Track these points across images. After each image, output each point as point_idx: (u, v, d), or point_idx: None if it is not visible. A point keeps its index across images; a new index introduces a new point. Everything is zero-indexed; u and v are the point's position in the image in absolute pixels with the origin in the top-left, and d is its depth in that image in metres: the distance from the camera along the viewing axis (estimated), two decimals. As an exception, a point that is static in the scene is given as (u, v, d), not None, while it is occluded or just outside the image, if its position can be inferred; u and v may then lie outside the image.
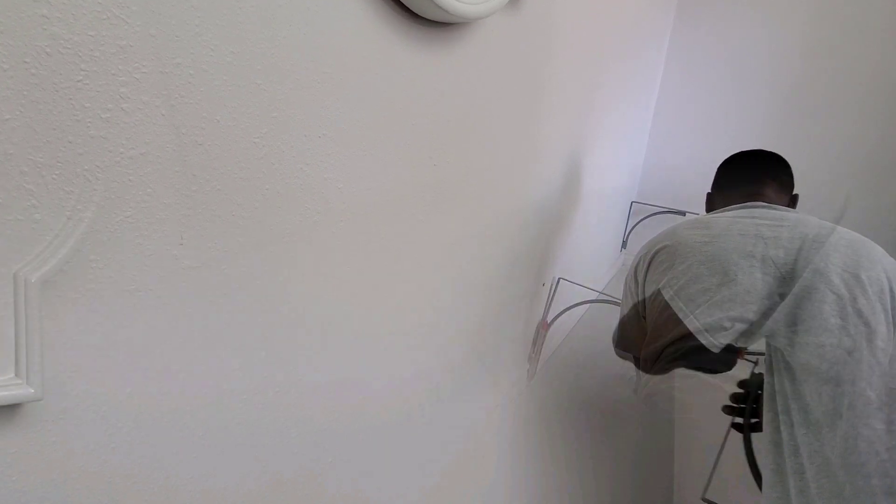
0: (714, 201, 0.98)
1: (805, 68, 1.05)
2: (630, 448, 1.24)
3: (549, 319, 1.23)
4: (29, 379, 0.44)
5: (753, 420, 0.93)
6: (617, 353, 0.92)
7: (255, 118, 0.55)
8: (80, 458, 0.50)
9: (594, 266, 1.22)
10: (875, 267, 0.66)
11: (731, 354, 0.77)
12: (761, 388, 0.93)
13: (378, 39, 0.64)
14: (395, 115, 0.69)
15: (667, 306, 0.74)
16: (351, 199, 0.67)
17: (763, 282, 0.69)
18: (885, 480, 0.58)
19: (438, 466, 0.93)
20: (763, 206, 0.81)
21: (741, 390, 0.94)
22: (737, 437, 0.95)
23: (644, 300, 0.90)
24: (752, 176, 0.93)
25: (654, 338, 0.79)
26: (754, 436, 0.75)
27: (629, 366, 1.16)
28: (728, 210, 0.87)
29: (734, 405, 0.96)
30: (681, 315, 0.71)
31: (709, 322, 0.70)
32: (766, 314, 0.70)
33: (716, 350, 0.72)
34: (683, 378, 0.85)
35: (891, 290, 0.65)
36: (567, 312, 1.20)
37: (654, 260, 0.93)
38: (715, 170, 1.02)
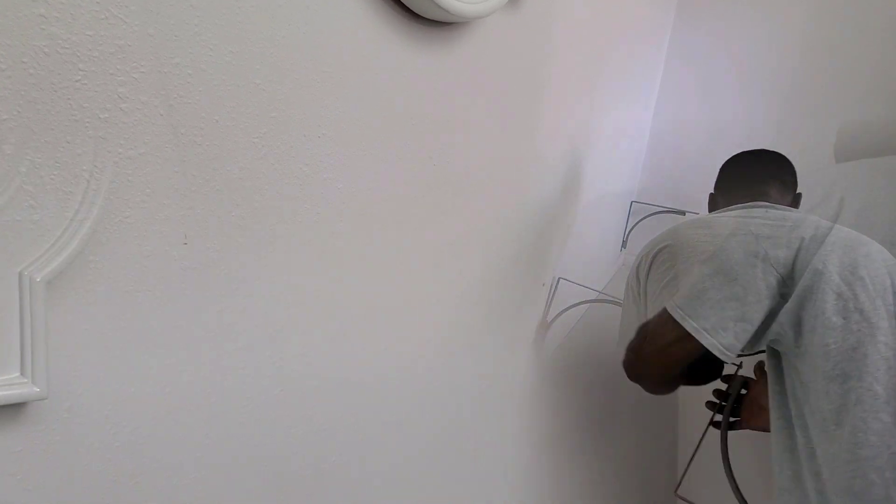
0: (717, 202, 0.98)
1: (807, 67, 1.05)
2: (629, 445, 1.24)
3: (549, 319, 1.23)
4: (34, 378, 0.44)
5: (732, 419, 0.94)
6: (628, 373, 0.92)
7: (254, 118, 0.54)
8: (85, 457, 0.51)
9: (594, 266, 1.22)
10: (874, 264, 0.66)
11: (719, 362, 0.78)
12: (745, 386, 0.93)
13: (378, 39, 0.63)
14: (394, 115, 0.69)
15: (676, 324, 0.75)
16: (351, 199, 0.67)
17: (765, 282, 0.70)
18: None
19: (438, 463, 0.93)
20: (765, 206, 0.81)
21: (723, 387, 0.94)
22: (713, 434, 0.95)
23: (645, 298, 0.90)
24: (754, 176, 0.93)
25: (665, 358, 0.80)
26: (772, 442, 0.76)
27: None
28: (730, 210, 0.87)
29: (716, 401, 0.97)
30: (692, 331, 0.72)
31: (721, 335, 0.71)
32: (769, 315, 0.71)
33: (729, 360, 0.73)
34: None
35: (892, 286, 0.66)
36: (567, 312, 1.20)
37: (655, 259, 0.93)
38: (716, 169, 1.02)
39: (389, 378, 0.81)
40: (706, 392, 0.98)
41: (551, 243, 1.05)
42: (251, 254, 0.58)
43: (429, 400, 0.88)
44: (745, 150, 0.99)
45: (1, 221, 0.41)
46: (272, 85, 0.55)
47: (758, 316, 0.69)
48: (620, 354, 0.89)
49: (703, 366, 0.83)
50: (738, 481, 0.92)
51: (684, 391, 1.18)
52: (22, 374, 0.44)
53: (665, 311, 0.78)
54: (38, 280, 0.42)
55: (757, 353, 0.81)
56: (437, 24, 0.70)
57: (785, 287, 0.69)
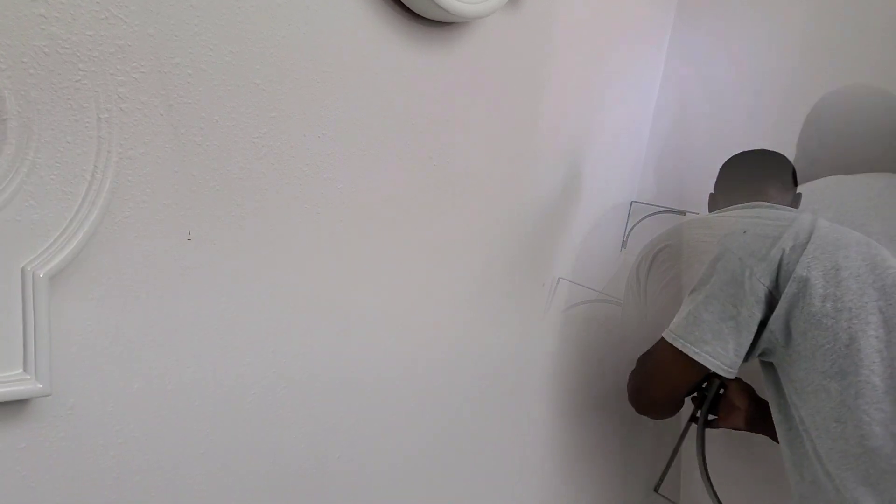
0: (717, 202, 0.98)
1: (807, 67, 1.05)
2: (611, 443, 1.24)
3: (549, 319, 1.22)
4: (37, 374, 0.44)
5: (711, 417, 0.95)
6: (637, 407, 0.94)
7: (254, 118, 0.55)
8: (88, 454, 0.51)
9: (594, 266, 1.22)
10: (855, 263, 0.67)
11: None
12: (723, 386, 0.94)
13: (378, 39, 0.64)
14: (394, 115, 0.69)
15: (676, 352, 0.77)
16: (351, 199, 0.67)
17: (754, 296, 0.71)
18: None
19: (438, 463, 0.93)
20: (766, 206, 0.81)
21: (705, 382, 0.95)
22: (695, 432, 0.96)
23: (645, 298, 0.90)
24: (754, 176, 0.93)
25: (670, 387, 0.84)
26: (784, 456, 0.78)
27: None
28: (730, 210, 0.87)
29: (696, 395, 0.97)
30: (694, 356, 0.75)
31: (723, 354, 0.73)
32: (760, 325, 0.72)
33: (732, 376, 0.76)
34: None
35: (874, 283, 0.66)
36: (567, 312, 1.20)
37: (655, 259, 0.93)
38: (716, 169, 1.02)
39: (390, 377, 0.81)
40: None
41: (551, 243, 1.05)
42: (252, 253, 0.59)
43: (429, 400, 0.89)
44: (745, 150, 0.99)
45: (2, 218, 0.41)
46: (272, 85, 0.55)
47: (752, 328, 0.72)
48: (628, 393, 0.92)
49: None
50: (714, 483, 0.93)
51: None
52: (25, 370, 0.44)
53: (663, 340, 0.80)
54: (41, 276, 0.42)
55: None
56: (437, 24, 0.70)
57: (772, 297, 0.71)
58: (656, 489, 1.06)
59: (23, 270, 0.42)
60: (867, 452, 0.63)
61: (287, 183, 0.59)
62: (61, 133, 0.43)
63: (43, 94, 0.41)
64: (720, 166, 1.02)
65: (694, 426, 0.97)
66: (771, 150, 0.96)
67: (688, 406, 0.99)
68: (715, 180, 1.02)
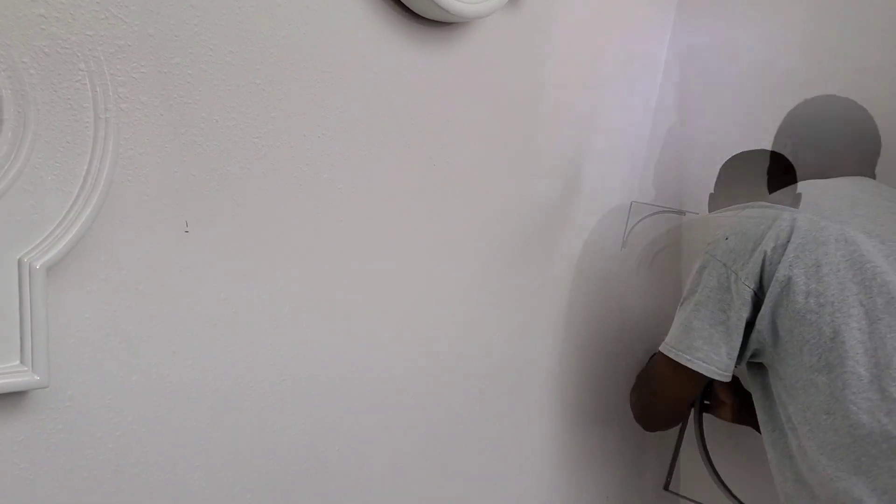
0: (717, 202, 0.98)
1: (808, 66, 1.05)
2: (617, 440, 1.24)
3: (548, 318, 1.22)
4: (34, 366, 0.44)
5: (705, 402, 0.96)
6: (644, 425, 0.95)
7: (253, 118, 0.55)
8: (87, 447, 0.51)
9: (594, 266, 1.22)
10: (834, 259, 0.69)
11: None
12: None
13: (378, 39, 0.64)
14: (394, 115, 0.69)
15: (673, 363, 0.79)
16: (351, 199, 0.67)
17: (741, 299, 0.73)
18: (892, 441, 0.63)
19: (440, 462, 0.93)
20: (766, 206, 0.81)
21: None
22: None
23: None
24: (754, 176, 0.93)
25: (671, 398, 0.86)
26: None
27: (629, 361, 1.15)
28: (730, 210, 0.87)
29: None
30: (687, 363, 0.76)
31: (715, 359, 0.75)
32: (748, 325, 0.74)
33: (728, 379, 0.77)
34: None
35: (854, 277, 0.68)
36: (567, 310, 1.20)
37: (654, 260, 0.93)
38: (716, 169, 1.02)
39: (390, 376, 0.81)
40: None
41: (551, 243, 1.05)
42: (251, 251, 0.59)
43: (429, 398, 0.89)
44: (746, 150, 0.99)
45: (1, 216, 0.41)
46: (272, 85, 0.55)
47: (741, 331, 0.74)
48: (634, 413, 0.94)
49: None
50: (722, 474, 0.93)
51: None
52: (22, 362, 0.44)
53: (660, 354, 0.82)
54: (37, 267, 0.42)
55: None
56: (437, 24, 0.70)
57: (758, 298, 0.73)
58: (666, 487, 1.07)
59: (19, 262, 0.42)
60: (857, 441, 0.65)
61: (287, 183, 0.59)
62: (61, 133, 0.43)
63: (43, 94, 0.41)
64: (720, 166, 1.02)
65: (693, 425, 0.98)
66: (771, 150, 0.96)
67: None
68: (715, 180, 1.02)
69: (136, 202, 0.49)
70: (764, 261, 0.72)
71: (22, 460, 0.47)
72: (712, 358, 0.75)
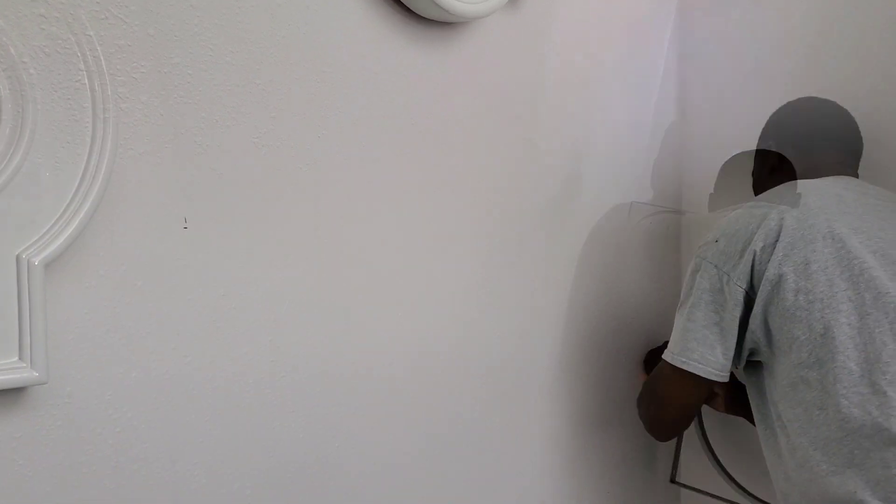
0: (717, 202, 0.98)
1: (807, 67, 1.05)
2: (624, 435, 1.24)
3: (548, 318, 1.22)
4: (33, 362, 0.44)
5: None
6: (656, 436, 0.95)
7: (253, 118, 0.55)
8: (86, 443, 0.51)
9: (594, 266, 1.22)
10: (822, 257, 0.70)
11: None
12: None
13: (378, 39, 0.64)
14: (394, 115, 0.69)
15: (674, 369, 0.79)
16: (350, 199, 0.67)
17: (734, 300, 0.74)
18: (884, 433, 0.64)
19: (442, 460, 0.93)
20: (753, 206, 0.82)
21: None
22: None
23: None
24: (756, 175, 0.94)
25: (677, 405, 0.86)
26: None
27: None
28: (731, 210, 0.87)
29: None
30: (684, 366, 0.77)
31: (711, 360, 0.76)
32: (742, 325, 0.74)
33: (725, 379, 0.77)
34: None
35: (842, 273, 0.69)
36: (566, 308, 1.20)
37: (654, 260, 0.93)
38: (716, 169, 1.02)
39: (390, 375, 0.81)
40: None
41: (551, 243, 1.05)
42: (251, 250, 0.59)
43: (430, 397, 0.89)
44: (745, 150, 0.99)
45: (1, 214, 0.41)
46: (272, 85, 0.55)
47: (735, 330, 0.75)
48: (645, 425, 0.93)
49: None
50: (722, 460, 0.93)
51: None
52: (20, 358, 0.44)
53: (663, 361, 0.82)
54: (36, 263, 0.42)
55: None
56: (437, 24, 0.70)
57: (749, 298, 0.74)
58: (672, 479, 1.07)
59: (17, 258, 0.42)
60: (849, 434, 0.66)
61: (287, 183, 0.59)
62: (61, 133, 0.43)
63: (43, 94, 0.41)
64: (720, 166, 1.02)
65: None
66: (771, 150, 0.96)
67: None
68: (715, 180, 1.02)
69: (135, 199, 0.49)
70: (754, 261, 0.73)
71: (21, 457, 0.47)
72: (708, 359, 0.76)
